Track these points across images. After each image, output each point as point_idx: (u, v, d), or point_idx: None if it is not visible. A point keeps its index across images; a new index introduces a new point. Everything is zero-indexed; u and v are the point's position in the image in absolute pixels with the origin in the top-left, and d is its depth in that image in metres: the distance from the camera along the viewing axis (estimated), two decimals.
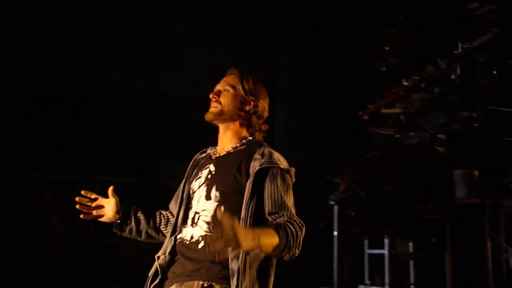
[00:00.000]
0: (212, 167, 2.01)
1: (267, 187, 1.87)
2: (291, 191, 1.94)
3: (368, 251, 5.56)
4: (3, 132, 5.71)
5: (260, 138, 2.11)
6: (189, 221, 1.96)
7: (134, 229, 2.11)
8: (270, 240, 1.70)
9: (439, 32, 6.05)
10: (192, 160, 2.20)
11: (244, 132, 2.08)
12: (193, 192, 2.03)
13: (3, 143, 5.68)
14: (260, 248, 1.67)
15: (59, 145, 5.96)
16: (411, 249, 5.60)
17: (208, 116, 2.05)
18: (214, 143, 2.33)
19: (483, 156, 5.72)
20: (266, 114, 2.14)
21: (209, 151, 2.18)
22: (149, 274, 1.95)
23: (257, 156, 1.92)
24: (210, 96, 2.08)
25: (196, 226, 1.91)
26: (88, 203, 2.06)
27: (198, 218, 1.93)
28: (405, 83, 5.94)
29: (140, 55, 7.26)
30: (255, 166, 1.88)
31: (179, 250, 1.93)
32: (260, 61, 8.05)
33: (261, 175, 1.85)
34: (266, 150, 1.95)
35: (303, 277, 6.59)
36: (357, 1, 6.54)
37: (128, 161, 6.75)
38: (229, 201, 1.90)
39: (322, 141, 7.71)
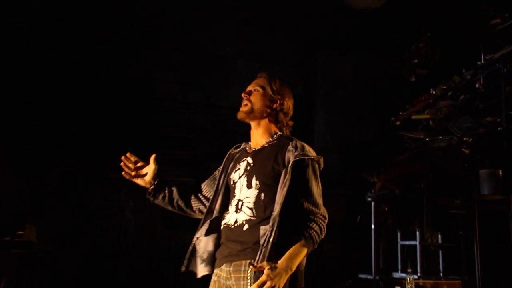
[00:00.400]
0: (249, 160, 2.10)
1: (301, 177, 1.96)
2: (318, 179, 2.04)
3: (401, 242, 5.63)
4: (90, 143, 6.33)
5: (287, 133, 2.20)
6: (233, 208, 2.05)
7: (167, 197, 2.19)
8: (299, 257, 1.86)
9: (464, 45, 6.12)
10: (227, 154, 2.27)
11: (274, 128, 2.17)
12: (234, 183, 2.10)
13: (89, 151, 6.31)
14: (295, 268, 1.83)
15: (132, 151, 6.59)
16: (440, 241, 5.64)
17: (240, 115, 2.15)
18: None
19: (507, 157, 5.50)
20: (291, 112, 2.22)
21: (243, 146, 2.27)
22: (188, 250, 2.10)
23: (290, 148, 2.01)
24: (242, 95, 2.18)
25: (240, 212, 2.00)
26: (130, 165, 2.19)
27: (242, 205, 2.01)
28: (433, 92, 6.00)
29: (196, 72, 7.73)
30: (289, 156, 1.98)
31: (225, 234, 2.03)
32: (302, 75, 8.38)
33: (296, 165, 1.95)
34: (298, 143, 2.04)
35: (344, 265, 6.77)
36: (387, 19, 6.81)
37: (189, 163, 7.11)
38: (268, 188, 1.99)
39: (359, 144, 7.78)
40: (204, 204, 2.21)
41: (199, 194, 2.24)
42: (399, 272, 5.59)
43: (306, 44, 8.07)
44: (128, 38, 6.75)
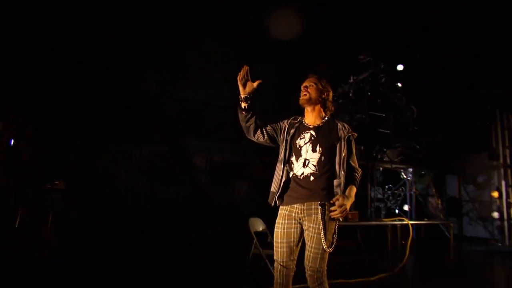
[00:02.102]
0: (313, 133, 2.58)
1: (349, 147, 2.56)
2: (355, 146, 2.64)
3: None
4: (97, 125, 7.65)
5: (329, 115, 2.71)
6: (300, 164, 2.54)
7: (246, 118, 2.62)
8: (354, 192, 2.50)
9: (343, 69, 8.46)
10: (288, 122, 2.71)
11: (322, 112, 2.67)
12: (300, 147, 2.56)
13: (96, 131, 7.70)
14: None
15: (125, 132, 8.04)
16: None
17: (301, 101, 2.64)
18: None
19: (367, 139, 8.03)
20: (331, 100, 2.72)
21: (299, 119, 2.72)
22: (272, 190, 2.59)
23: (340, 127, 2.60)
24: (302, 88, 2.66)
25: (307, 167, 2.51)
26: (243, 72, 2.59)
27: (308, 163, 2.52)
28: None
29: (170, 73, 9.13)
30: (341, 134, 2.56)
31: (295, 181, 2.54)
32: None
33: (346, 139, 2.54)
34: (344, 124, 2.64)
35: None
36: (299, 46, 9.24)
37: (164, 138, 8.67)
38: (328, 154, 2.51)
39: None
40: (264, 137, 2.71)
41: (264, 130, 2.68)
42: None
43: (247, 58, 9.65)
44: (127, 51, 8.43)
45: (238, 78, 2.58)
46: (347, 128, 2.60)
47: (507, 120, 10.27)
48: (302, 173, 2.51)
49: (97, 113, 7.92)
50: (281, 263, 2.49)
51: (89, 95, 7.90)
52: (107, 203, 7.89)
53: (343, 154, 2.50)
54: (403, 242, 7.24)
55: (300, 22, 8.41)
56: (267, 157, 9.29)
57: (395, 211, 8.95)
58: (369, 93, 8.28)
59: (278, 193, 2.53)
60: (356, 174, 2.57)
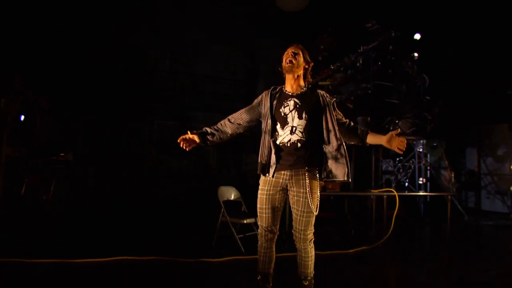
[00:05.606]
0: (296, 100, 2.46)
1: (332, 111, 2.44)
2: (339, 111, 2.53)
3: None
4: (110, 100, 7.66)
5: (308, 85, 2.59)
6: (286, 132, 2.39)
7: (213, 140, 2.53)
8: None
9: (351, 38, 7.64)
10: (268, 94, 2.55)
11: (302, 81, 2.55)
12: (285, 115, 2.42)
13: (109, 105, 7.70)
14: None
15: (136, 107, 7.98)
16: None
17: (286, 67, 2.47)
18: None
19: (373, 109, 7.26)
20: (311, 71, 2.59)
21: (278, 89, 2.58)
22: (262, 162, 2.43)
23: (321, 93, 2.51)
24: (289, 53, 2.49)
25: (294, 134, 2.37)
26: (186, 139, 2.45)
27: (296, 130, 2.37)
28: (332, 67, 7.30)
29: (180, 51, 9.00)
30: (324, 101, 2.46)
31: (284, 148, 2.38)
32: (250, 55, 9.79)
33: (332, 105, 2.49)
34: (323, 92, 2.56)
35: (251, 172, 8.30)
36: (306, 18, 8.43)
37: (173, 113, 8.53)
38: (313, 119, 2.40)
39: None
40: (242, 128, 2.61)
41: (237, 123, 2.57)
42: None
43: (252, 33, 9.36)
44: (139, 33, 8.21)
45: (187, 149, 2.50)
46: (328, 96, 2.52)
47: None
48: (289, 140, 2.38)
49: (110, 88, 7.72)
50: (265, 228, 2.44)
51: (99, 72, 7.67)
52: (116, 173, 7.73)
53: (334, 120, 2.41)
54: (396, 213, 6.47)
55: None
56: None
57: (405, 183, 8.00)
58: (379, 63, 7.23)
59: (269, 164, 2.41)
60: (355, 124, 2.55)
